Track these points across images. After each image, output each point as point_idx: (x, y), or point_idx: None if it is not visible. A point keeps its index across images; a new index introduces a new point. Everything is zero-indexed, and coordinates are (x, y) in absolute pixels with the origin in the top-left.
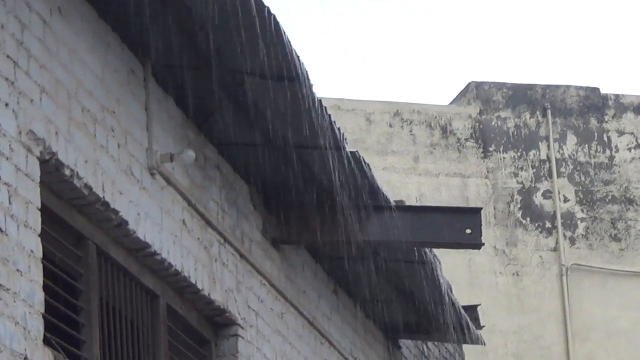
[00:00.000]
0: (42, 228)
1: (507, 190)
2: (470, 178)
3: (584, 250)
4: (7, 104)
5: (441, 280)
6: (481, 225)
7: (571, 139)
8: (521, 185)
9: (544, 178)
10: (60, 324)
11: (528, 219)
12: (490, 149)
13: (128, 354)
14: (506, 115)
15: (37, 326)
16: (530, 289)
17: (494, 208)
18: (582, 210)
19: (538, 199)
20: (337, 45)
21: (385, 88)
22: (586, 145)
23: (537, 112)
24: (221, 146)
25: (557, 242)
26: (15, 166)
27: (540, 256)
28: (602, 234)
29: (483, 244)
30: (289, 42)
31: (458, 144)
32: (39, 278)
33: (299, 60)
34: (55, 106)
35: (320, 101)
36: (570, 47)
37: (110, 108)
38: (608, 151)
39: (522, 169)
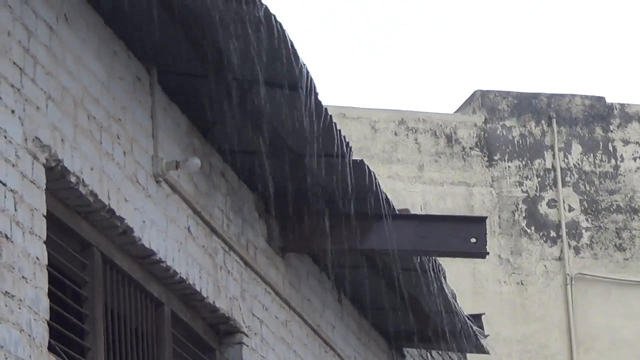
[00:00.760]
0: (47, 235)
1: (512, 199)
2: (475, 187)
3: (589, 260)
4: (13, 111)
5: (446, 289)
6: (486, 234)
7: (576, 148)
8: (526, 194)
9: (548, 187)
10: (65, 331)
11: (533, 228)
12: (495, 157)
13: None
14: (511, 124)
15: (42, 333)
16: (535, 298)
17: (499, 217)
18: (587, 220)
19: (543, 208)
20: (342, 53)
21: (390, 96)
22: (591, 155)
23: (543, 121)
24: (226, 154)
25: (561, 252)
26: (21, 173)
27: (545, 265)
28: (607, 243)
29: (488, 253)
30: (295, 50)
31: (463, 152)
32: (44, 285)
33: (304, 68)
34: (61, 113)
35: (325, 109)
36: (575, 56)
37: (116, 115)
38: (613, 160)
39: (527, 178)
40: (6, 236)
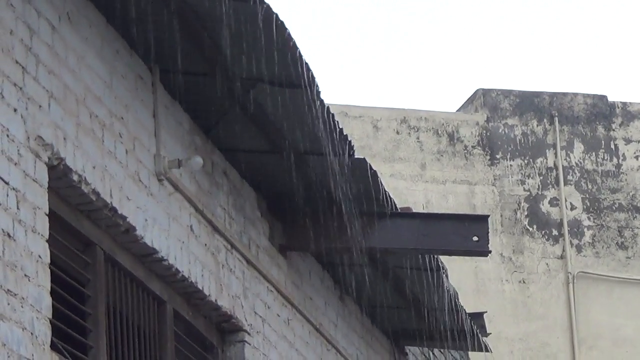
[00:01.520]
0: (50, 233)
1: (514, 198)
2: (477, 185)
3: (591, 258)
4: (15, 110)
5: (448, 288)
6: (488, 232)
7: (578, 147)
8: (528, 193)
9: (550, 186)
10: (67, 330)
11: (535, 226)
12: (498, 156)
13: (135, 359)
14: (513, 122)
15: (44, 331)
16: (537, 296)
17: (501, 215)
18: (589, 218)
19: (545, 206)
20: (344, 51)
21: (392, 95)
22: (593, 153)
23: (545, 120)
24: (229, 153)
25: (563, 250)
26: (24, 172)
27: (547, 264)
28: (609, 242)
29: (490, 252)
30: (297, 48)
31: (465, 151)
32: (47, 283)
33: (306, 66)
34: (63, 112)
35: (327, 108)
36: (577, 54)
37: (119, 114)
38: (615, 159)
39: (529, 176)
40: (8, 234)
